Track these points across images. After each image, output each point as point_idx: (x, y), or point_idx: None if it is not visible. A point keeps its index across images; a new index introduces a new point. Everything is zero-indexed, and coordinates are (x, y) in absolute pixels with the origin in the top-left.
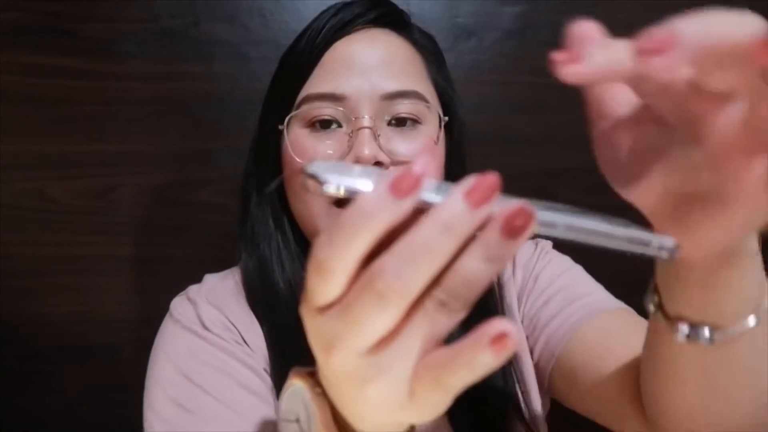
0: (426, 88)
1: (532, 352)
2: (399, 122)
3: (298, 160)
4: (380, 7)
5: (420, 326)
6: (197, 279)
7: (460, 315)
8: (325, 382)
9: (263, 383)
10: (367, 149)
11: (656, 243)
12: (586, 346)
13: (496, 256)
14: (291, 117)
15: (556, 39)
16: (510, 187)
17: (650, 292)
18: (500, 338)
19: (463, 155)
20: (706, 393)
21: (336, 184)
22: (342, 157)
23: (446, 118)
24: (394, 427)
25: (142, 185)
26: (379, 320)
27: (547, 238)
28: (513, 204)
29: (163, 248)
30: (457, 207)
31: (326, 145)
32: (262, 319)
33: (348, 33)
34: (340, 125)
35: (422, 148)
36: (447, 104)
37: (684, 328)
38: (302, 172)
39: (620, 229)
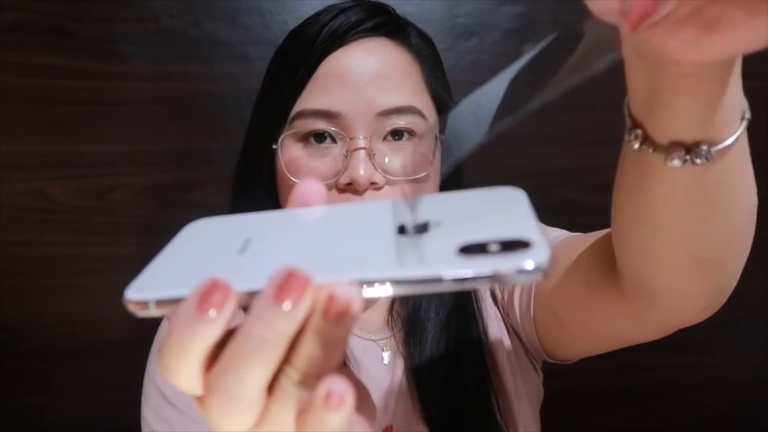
0: (423, 101)
1: (513, 313)
2: (395, 135)
3: (292, 179)
4: (378, 16)
5: (284, 404)
6: None
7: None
8: None
9: None
10: (363, 170)
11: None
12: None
13: (330, 338)
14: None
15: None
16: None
17: (629, 129)
18: (329, 397)
19: (459, 167)
20: (704, 215)
21: (149, 301)
22: (337, 176)
23: (443, 137)
24: None
25: (142, 185)
26: (238, 420)
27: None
28: (330, 289)
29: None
30: (269, 315)
31: (321, 162)
32: None
33: (343, 44)
34: (334, 140)
35: (415, 166)
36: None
37: (680, 152)
38: (124, 299)
39: (473, 265)
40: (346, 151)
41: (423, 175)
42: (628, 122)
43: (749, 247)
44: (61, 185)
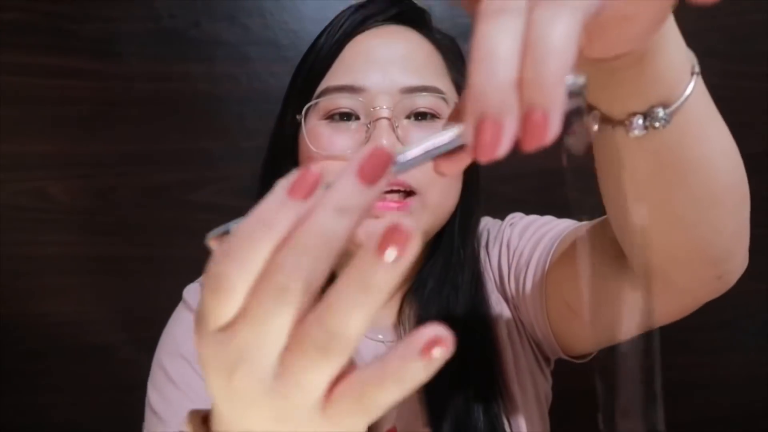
0: (446, 86)
1: (525, 308)
2: (418, 116)
3: (314, 149)
4: (400, 5)
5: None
6: (197, 279)
7: None
8: (223, 427)
9: None
10: (385, 139)
11: None
12: (564, 257)
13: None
14: (309, 108)
15: None
16: (510, 187)
17: (587, 114)
18: (430, 346)
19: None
20: (680, 178)
21: (230, 228)
22: (360, 146)
23: None
24: None
25: (142, 185)
26: (279, 319)
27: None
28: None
29: (163, 248)
30: (349, 188)
31: (344, 135)
32: None
33: (368, 28)
34: (358, 118)
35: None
36: None
37: (638, 120)
38: (206, 239)
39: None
40: (369, 122)
41: None
42: (584, 109)
43: (746, 210)
44: (61, 185)
